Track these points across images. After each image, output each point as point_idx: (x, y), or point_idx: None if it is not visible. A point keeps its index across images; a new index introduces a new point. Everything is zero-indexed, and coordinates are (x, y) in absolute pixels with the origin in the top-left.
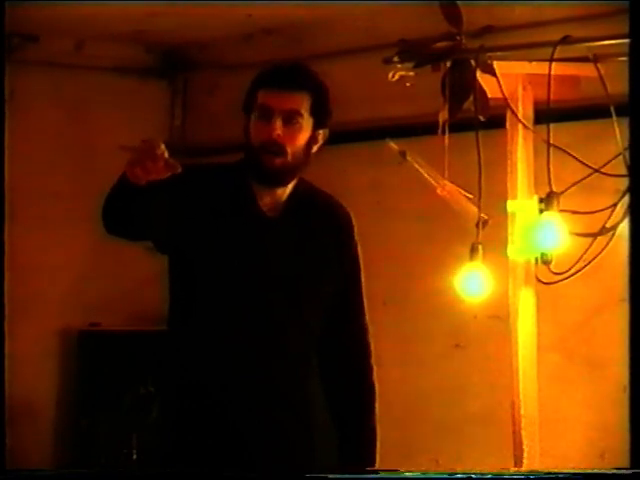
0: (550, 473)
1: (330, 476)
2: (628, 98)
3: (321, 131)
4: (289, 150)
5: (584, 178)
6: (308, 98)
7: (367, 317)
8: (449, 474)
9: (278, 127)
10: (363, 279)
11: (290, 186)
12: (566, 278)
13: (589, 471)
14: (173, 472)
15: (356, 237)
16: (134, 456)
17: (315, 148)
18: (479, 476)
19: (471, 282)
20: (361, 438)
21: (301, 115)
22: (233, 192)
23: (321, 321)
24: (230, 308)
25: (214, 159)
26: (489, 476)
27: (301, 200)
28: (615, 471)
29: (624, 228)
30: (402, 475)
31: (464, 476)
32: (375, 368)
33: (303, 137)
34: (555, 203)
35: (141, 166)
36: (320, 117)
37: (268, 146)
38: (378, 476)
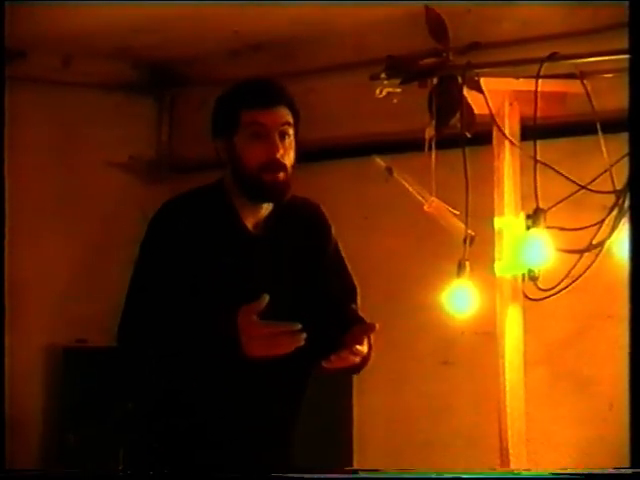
0: (551, 473)
1: (306, 476)
2: (628, 110)
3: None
4: (288, 166)
5: (571, 195)
6: (289, 111)
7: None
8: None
9: (280, 146)
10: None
11: None
12: (553, 294)
13: (589, 471)
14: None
15: (333, 232)
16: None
17: None
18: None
19: (458, 299)
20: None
21: (292, 128)
22: (217, 215)
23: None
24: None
25: (201, 175)
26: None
27: (280, 212)
28: (615, 471)
29: (611, 244)
30: (378, 475)
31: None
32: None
33: (294, 150)
34: (542, 219)
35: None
36: (297, 128)
37: (269, 166)
38: (354, 476)
